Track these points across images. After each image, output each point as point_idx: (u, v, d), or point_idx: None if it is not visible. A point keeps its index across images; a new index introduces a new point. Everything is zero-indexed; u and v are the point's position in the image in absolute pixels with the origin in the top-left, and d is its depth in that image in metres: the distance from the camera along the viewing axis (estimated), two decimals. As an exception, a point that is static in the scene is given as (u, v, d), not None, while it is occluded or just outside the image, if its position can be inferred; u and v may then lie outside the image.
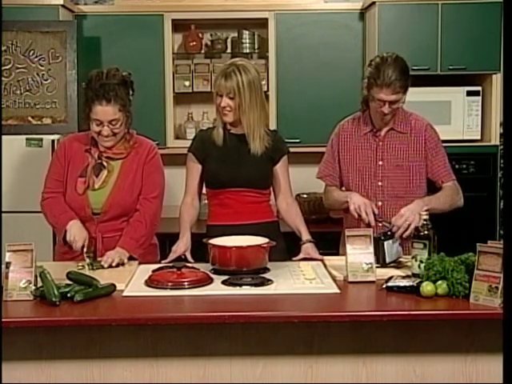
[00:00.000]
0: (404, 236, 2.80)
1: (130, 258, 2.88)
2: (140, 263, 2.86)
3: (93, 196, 2.97)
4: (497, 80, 4.25)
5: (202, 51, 4.70)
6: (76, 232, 2.88)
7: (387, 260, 2.74)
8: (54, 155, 3.10)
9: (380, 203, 3.05)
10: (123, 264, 2.82)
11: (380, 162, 3.07)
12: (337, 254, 3.11)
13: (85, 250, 2.83)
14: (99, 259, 2.82)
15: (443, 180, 3.07)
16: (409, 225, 2.78)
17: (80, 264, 2.76)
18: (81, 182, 2.97)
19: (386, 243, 2.75)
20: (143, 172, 3.01)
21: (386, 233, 2.79)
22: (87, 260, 2.78)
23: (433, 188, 3.10)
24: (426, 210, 2.67)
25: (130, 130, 3.04)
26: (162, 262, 2.87)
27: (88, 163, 2.99)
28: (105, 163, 2.99)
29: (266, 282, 2.51)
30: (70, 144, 3.06)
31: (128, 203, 2.99)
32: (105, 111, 2.87)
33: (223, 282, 2.52)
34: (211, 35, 4.68)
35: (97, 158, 2.99)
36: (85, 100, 2.92)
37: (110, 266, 2.77)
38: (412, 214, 2.79)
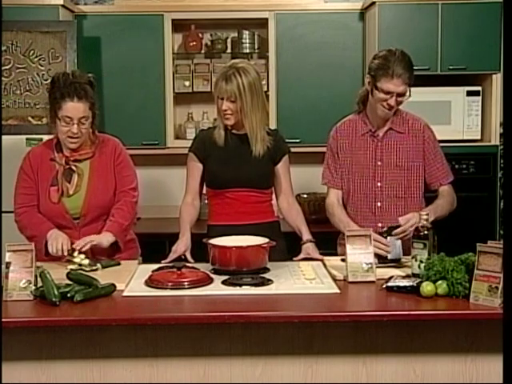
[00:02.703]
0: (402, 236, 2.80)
1: (116, 250, 2.90)
2: (121, 259, 2.88)
3: (69, 202, 2.96)
4: (497, 80, 4.25)
5: (202, 51, 4.70)
6: (57, 239, 2.84)
7: (389, 256, 2.74)
8: (20, 170, 3.04)
9: (379, 204, 3.05)
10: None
11: (379, 163, 3.06)
12: (336, 254, 3.11)
13: (73, 249, 2.81)
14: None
15: (442, 182, 3.06)
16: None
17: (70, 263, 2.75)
18: (54, 191, 2.96)
19: (389, 238, 2.75)
20: (115, 169, 3.01)
21: (389, 228, 2.79)
22: (86, 261, 2.76)
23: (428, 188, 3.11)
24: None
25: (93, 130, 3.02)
26: (162, 261, 2.86)
27: (57, 171, 2.97)
28: (73, 167, 2.98)
29: (266, 282, 2.51)
30: (33, 155, 3.03)
31: (105, 203, 2.99)
32: (76, 108, 2.85)
33: (223, 282, 2.52)
34: (211, 35, 4.68)
35: (64, 163, 2.97)
36: (52, 99, 2.89)
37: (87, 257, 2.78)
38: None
